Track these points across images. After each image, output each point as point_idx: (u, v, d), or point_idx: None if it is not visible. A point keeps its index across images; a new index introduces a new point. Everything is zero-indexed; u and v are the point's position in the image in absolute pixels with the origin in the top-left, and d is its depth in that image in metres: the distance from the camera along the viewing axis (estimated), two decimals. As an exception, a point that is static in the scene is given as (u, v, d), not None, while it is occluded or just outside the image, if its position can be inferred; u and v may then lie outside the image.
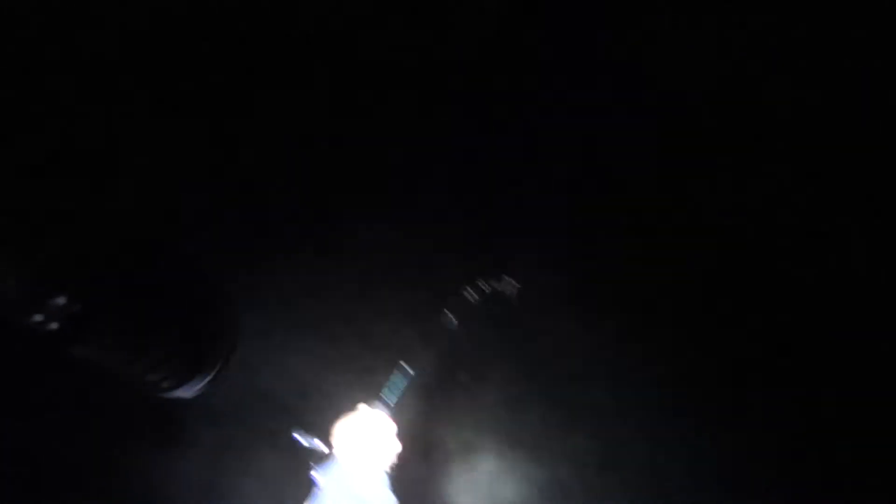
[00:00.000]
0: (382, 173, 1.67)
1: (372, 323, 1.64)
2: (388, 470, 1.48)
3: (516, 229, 1.70)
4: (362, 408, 1.48)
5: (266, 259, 1.55)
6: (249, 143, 1.54)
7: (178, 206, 1.40)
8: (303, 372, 1.59)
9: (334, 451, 1.42)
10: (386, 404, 1.51)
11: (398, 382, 1.54)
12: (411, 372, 1.55)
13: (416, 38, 1.63)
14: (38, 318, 1.01)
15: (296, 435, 1.48)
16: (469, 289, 1.67)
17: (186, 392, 1.28)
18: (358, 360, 1.61)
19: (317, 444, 1.45)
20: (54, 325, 1.02)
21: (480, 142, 1.69)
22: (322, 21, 1.58)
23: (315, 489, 1.37)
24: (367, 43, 1.62)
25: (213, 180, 1.50)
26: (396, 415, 1.52)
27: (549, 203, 1.71)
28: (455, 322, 1.69)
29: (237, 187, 1.54)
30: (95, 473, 1.40)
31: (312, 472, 1.41)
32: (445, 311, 1.66)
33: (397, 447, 1.49)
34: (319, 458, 1.42)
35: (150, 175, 1.36)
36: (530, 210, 1.70)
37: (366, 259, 1.65)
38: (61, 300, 1.03)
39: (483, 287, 1.71)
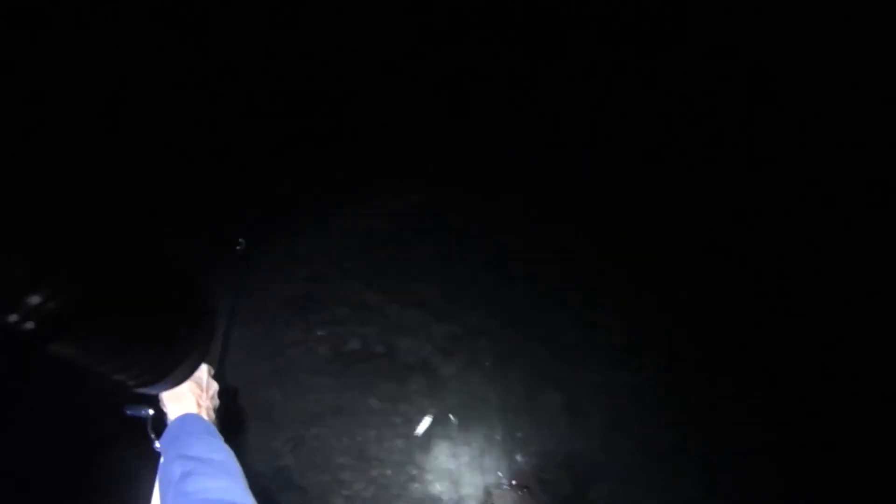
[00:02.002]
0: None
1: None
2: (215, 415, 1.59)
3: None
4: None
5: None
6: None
7: (156, 203, 1.34)
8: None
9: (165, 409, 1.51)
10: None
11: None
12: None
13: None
14: (13, 318, 0.94)
15: (128, 411, 1.52)
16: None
17: (159, 389, 1.23)
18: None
19: (148, 412, 1.51)
20: (30, 325, 0.96)
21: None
22: None
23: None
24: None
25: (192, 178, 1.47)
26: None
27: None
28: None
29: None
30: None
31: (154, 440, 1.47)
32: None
33: (215, 387, 1.64)
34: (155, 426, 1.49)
35: (126, 172, 1.29)
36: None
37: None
38: (35, 299, 0.97)
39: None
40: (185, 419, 1.46)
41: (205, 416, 1.51)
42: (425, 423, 1.99)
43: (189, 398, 1.52)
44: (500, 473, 1.95)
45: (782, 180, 2.18)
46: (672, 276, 2.16)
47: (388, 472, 1.91)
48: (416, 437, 1.98)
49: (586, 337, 2.09)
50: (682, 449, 2.05)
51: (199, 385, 1.58)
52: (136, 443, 1.46)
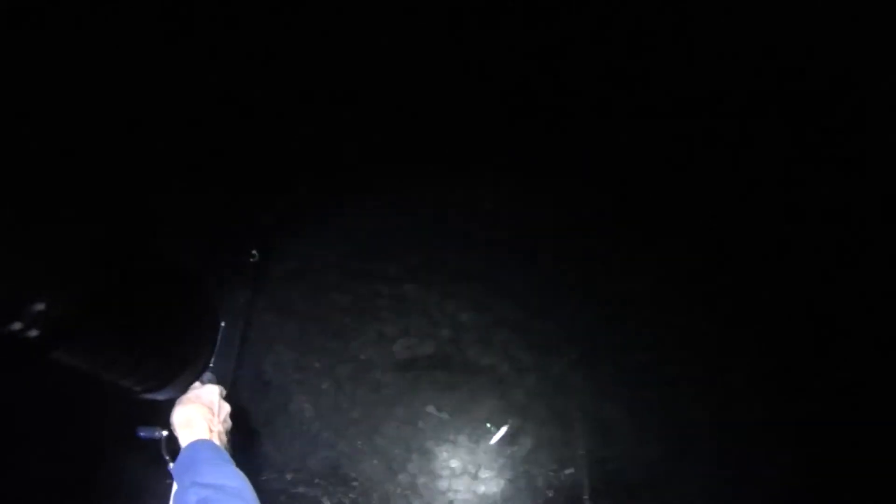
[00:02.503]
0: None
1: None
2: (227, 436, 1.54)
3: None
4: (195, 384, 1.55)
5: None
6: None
7: (159, 208, 1.31)
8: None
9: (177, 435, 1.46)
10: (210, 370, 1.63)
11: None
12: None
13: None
14: (16, 325, 0.90)
15: (141, 433, 1.49)
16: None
17: (167, 395, 1.20)
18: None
19: (161, 433, 1.48)
20: (34, 332, 0.92)
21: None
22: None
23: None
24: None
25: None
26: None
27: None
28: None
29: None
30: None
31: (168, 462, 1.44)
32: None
33: (227, 409, 1.58)
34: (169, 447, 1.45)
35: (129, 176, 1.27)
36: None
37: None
38: (40, 306, 0.93)
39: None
40: (197, 445, 1.41)
41: (216, 441, 1.46)
42: (501, 432, 1.92)
43: (200, 424, 1.47)
44: (549, 481, 1.87)
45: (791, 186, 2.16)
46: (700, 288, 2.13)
47: (422, 479, 1.82)
48: (489, 446, 1.92)
49: (617, 346, 2.04)
50: (716, 456, 1.97)
51: (210, 409, 1.53)
52: (145, 455, 1.42)
